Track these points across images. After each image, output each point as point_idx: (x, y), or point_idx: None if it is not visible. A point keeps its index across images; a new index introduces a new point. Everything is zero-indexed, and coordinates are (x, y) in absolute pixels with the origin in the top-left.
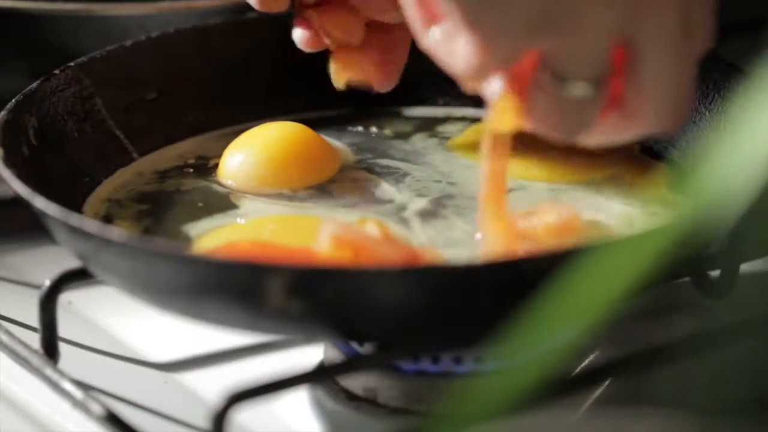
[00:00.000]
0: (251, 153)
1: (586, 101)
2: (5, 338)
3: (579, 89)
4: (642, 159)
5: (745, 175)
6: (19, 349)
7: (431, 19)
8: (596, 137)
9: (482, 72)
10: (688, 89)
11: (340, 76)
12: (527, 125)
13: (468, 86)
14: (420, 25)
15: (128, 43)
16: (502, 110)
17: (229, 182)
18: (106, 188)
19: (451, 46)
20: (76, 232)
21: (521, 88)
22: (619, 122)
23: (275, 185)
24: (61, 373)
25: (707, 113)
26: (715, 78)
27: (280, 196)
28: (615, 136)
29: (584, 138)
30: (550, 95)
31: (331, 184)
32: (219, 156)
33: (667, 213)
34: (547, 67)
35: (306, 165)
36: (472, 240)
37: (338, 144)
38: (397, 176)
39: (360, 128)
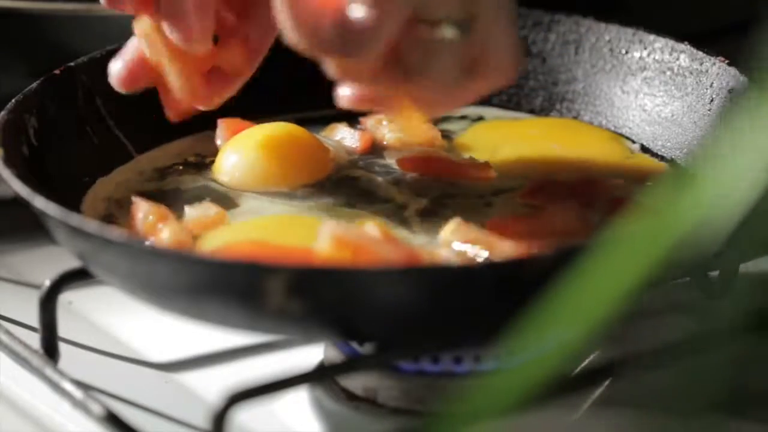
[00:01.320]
0: (244, 153)
1: (457, 47)
2: (5, 338)
3: (449, 32)
4: (642, 159)
5: (745, 176)
6: (19, 349)
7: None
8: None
9: (377, 44)
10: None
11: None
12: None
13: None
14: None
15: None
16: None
17: (224, 182)
18: (105, 187)
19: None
20: (76, 232)
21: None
22: (475, 81)
23: (268, 185)
24: (61, 373)
25: (708, 114)
26: (716, 79)
27: (279, 196)
28: (473, 92)
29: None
30: (426, 43)
31: (331, 184)
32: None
33: (668, 213)
34: (419, 19)
35: (297, 164)
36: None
37: (333, 143)
38: (396, 175)
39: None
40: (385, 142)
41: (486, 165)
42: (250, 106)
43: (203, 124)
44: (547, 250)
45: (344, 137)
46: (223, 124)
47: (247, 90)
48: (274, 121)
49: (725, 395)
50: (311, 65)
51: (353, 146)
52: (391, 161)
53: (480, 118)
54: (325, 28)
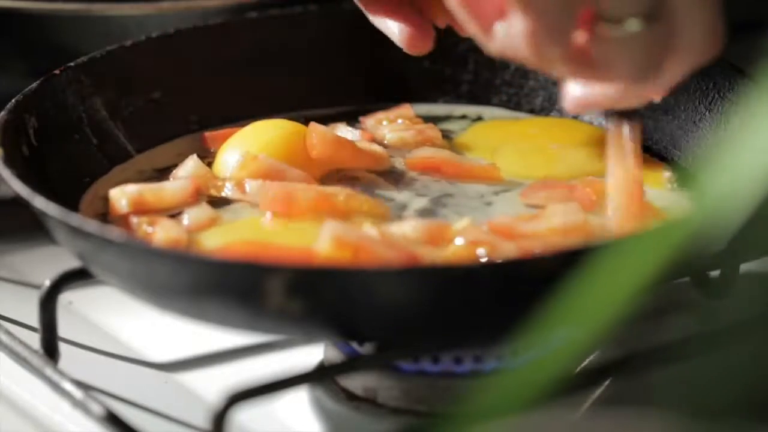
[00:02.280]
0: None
1: (646, 37)
2: (5, 338)
3: (634, 25)
4: (643, 159)
5: (747, 177)
6: (19, 349)
7: (488, 21)
8: (660, 78)
9: (548, 49)
10: (718, 15)
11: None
12: (609, 82)
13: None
14: (480, 30)
15: (128, 43)
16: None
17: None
18: (105, 186)
19: (512, 37)
20: (76, 232)
21: (584, 57)
22: (670, 58)
23: None
24: (61, 373)
25: (708, 114)
26: (716, 79)
27: None
28: (674, 73)
29: (654, 81)
30: (611, 40)
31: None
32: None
33: (669, 214)
34: (600, 18)
35: (297, 162)
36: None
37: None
38: (396, 175)
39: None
40: (385, 142)
41: (493, 166)
42: (249, 106)
43: (203, 124)
44: (547, 250)
45: (345, 136)
46: (210, 138)
47: (245, 90)
48: (281, 118)
49: (726, 395)
50: (309, 64)
51: None
52: (391, 160)
53: (479, 118)
54: (493, 27)
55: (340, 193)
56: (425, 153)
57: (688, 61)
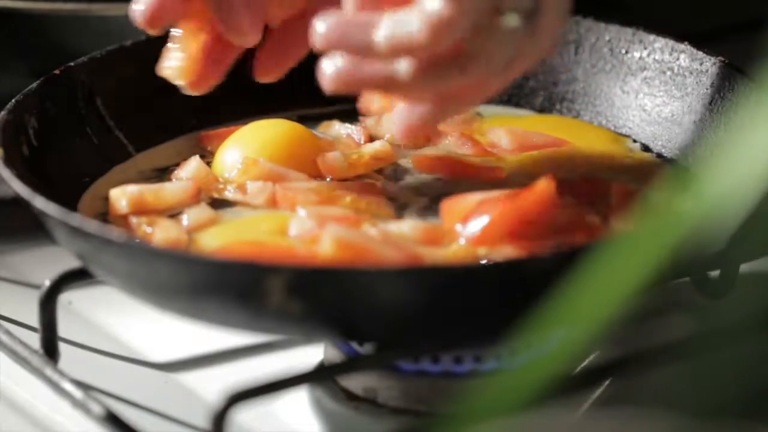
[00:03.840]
0: (243, 152)
1: (516, 35)
2: (5, 338)
3: (514, 20)
4: (642, 159)
5: (746, 177)
6: (19, 349)
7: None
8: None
9: (451, 37)
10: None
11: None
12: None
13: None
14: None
15: (128, 43)
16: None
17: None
18: (105, 186)
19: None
20: (76, 232)
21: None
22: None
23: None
24: (61, 373)
25: (708, 114)
26: (716, 79)
27: None
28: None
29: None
30: (490, 30)
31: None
32: None
33: (669, 213)
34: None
35: (296, 162)
36: None
37: (332, 140)
38: (397, 174)
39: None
40: (385, 140)
41: (498, 166)
42: (248, 105)
43: (203, 124)
44: (547, 250)
45: (343, 134)
46: (206, 137)
47: (244, 90)
48: (280, 117)
49: (726, 395)
50: (309, 64)
51: (354, 143)
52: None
53: (479, 116)
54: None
55: (345, 195)
56: (431, 151)
57: (532, 62)
